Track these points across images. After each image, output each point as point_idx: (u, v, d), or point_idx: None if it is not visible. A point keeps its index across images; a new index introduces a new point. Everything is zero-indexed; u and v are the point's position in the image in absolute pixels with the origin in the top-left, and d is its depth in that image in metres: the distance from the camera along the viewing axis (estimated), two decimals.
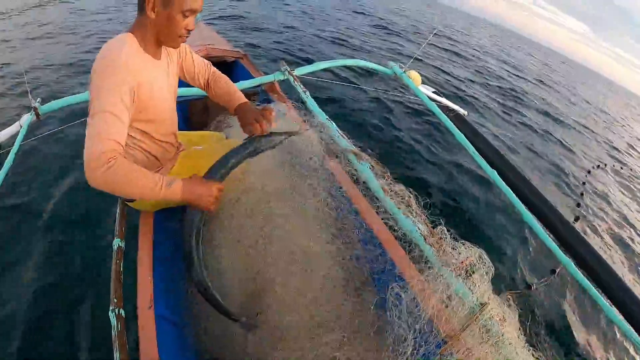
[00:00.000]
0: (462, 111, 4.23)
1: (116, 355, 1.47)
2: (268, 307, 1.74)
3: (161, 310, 1.72)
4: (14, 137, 2.34)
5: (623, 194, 8.63)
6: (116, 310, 1.62)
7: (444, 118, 3.09)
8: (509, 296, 1.51)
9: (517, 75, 17.39)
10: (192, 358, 1.77)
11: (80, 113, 2.13)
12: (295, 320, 1.68)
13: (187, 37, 1.66)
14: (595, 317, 4.40)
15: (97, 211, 3.42)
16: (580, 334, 4.03)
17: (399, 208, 1.66)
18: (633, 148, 14.99)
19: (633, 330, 2.16)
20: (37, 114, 2.39)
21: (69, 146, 4.24)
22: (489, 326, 1.33)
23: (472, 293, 1.38)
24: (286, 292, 1.73)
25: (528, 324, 1.51)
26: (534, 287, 4.26)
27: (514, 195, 2.53)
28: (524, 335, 1.40)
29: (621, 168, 10.86)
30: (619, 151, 13.12)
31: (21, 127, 2.35)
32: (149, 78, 1.63)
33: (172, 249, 2.08)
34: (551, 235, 2.47)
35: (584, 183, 7.96)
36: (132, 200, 2.06)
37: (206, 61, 2.12)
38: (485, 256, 1.47)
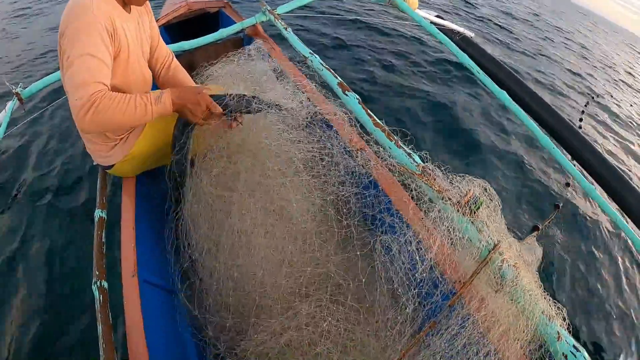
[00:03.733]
0: (468, 33, 3.92)
1: (99, 327, 1.44)
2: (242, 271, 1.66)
3: (146, 275, 1.69)
4: None
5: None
6: (98, 283, 1.58)
7: (446, 40, 2.86)
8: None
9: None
10: (178, 321, 1.73)
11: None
12: (273, 286, 1.61)
13: None
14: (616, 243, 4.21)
15: (86, 184, 3.38)
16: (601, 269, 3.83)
17: (390, 139, 1.49)
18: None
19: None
20: (20, 99, 2.38)
21: (58, 124, 4.17)
22: (503, 270, 1.16)
23: (480, 232, 1.20)
24: (263, 253, 1.65)
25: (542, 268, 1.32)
26: (541, 227, 4.00)
27: (525, 114, 2.36)
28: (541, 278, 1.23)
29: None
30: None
31: (6, 113, 2.34)
32: (122, 24, 1.61)
33: (156, 214, 2.06)
34: (561, 149, 2.29)
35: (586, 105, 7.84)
36: (110, 167, 1.99)
37: (169, 50, 2.18)
38: (490, 188, 1.31)
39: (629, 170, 5.99)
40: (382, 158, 1.52)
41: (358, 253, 1.55)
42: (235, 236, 1.66)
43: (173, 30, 3.63)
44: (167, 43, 2.57)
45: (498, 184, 4.27)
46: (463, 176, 1.32)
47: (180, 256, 1.84)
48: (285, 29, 2.43)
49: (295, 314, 1.46)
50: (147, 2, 1.85)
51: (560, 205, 4.31)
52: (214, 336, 1.61)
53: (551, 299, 1.19)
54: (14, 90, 2.35)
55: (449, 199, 1.26)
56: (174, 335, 1.70)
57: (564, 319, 1.16)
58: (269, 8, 2.80)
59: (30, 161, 3.67)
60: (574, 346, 1.08)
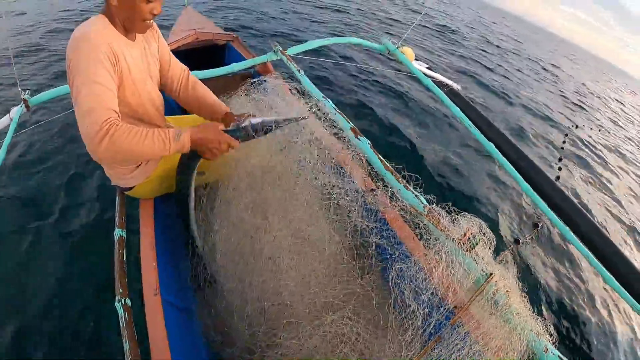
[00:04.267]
0: (455, 86, 4.21)
1: (126, 345, 1.48)
2: (272, 291, 1.76)
3: (166, 295, 1.73)
4: (4, 129, 2.33)
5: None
6: (122, 300, 1.63)
7: (440, 93, 3.10)
8: (504, 256, 1.55)
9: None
10: (199, 342, 1.80)
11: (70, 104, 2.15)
12: (300, 300, 1.71)
13: (152, 20, 1.71)
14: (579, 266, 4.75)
15: (97, 202, 3.41)
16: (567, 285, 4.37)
17: (399, 182, 1.67)
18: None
19: (612, 276, 2.32)
20: (27, 106, 2.38)
21: (61, 136, 4.22)
22: (496, 297, 1.37)
23: (477, 264, 1.41)
24: (290, 274, 1.75)
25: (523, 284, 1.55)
26: (522, 241, 4.50)
27: (510, 165, 2.58)
28: (526, 297, 1.45)
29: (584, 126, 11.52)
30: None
31: (11, 119, 2.34)
32: (123, 50, 1.65)
33: (174, 234, 2.11)
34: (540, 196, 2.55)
35: (563, 142, 8.43)
36: (129, 189, 2.05)
37: (183, 66, 2.16)
38: (485, 227, 1.49)
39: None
40: (392, 199, 1.68)
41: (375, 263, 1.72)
42: (264, 260, 1.77)
43: (179, 58, 3.84)
44: None
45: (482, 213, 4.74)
46: (463, 215, 1.50)
47: (198, 276, 1.93)
48: (298, 70, 2.51)
49: (321, 324, 1.58)
50: (154, 25, 1.88)
51: (540, 225, 4.78)
52: (238, 352, 1.70)
53: (539, 317, 1.40)
54: (22, 96, 2.36)
55: (451, 236, 1.44)
56: (196, 354, 1.75)
57: (550, 335, 1.38)
58: (280, 48, 2.90)
59: (42, 176, 3.69)
60: (559, 357, 1.31)
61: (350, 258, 1.90)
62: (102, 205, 3.39)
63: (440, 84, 3.82)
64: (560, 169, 7.19)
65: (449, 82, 4.13)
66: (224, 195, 2.01)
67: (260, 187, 1.94)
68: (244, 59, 3.47)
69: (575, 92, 16.47)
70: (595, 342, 3.85)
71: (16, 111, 2.37)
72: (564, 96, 14.51)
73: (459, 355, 1.32)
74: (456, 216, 1.51)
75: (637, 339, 4.23)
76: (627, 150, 11.48)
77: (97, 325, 2.52)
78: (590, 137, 10.46)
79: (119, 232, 1.93)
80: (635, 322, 4.44)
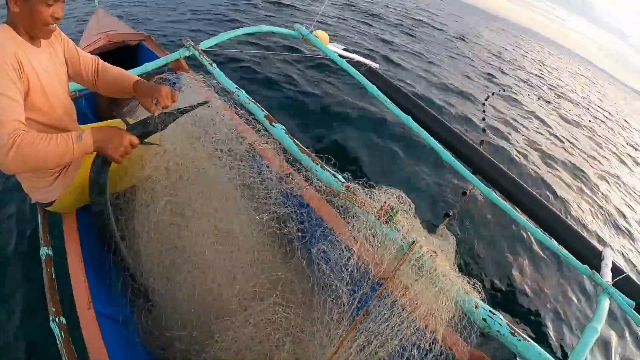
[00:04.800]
0: (373, 64, 4.27)
1: None
2: (201, 288, 1.74)
3: (101, 308, 1.68)
4: None
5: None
6: (57, 319, 1.57)
7: (355, 73, 3.10)
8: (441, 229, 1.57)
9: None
10: (139, 351, 1.76)
11: None
12: (229, 293, 1.69)
13: (55, 25, 1.68)
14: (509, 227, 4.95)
15: (19, 222, 3.19)
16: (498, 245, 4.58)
17: (315, 163, 1.67)
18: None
19: (537, 228, 2.47)
20: None
21: None
22: (422, 262, 1.38)
23: (399, 232, 1.42)
24: (216, 269, 1.73)
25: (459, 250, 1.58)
26: (451, 214, 4.57)
27: (428, 134, 2.62)
28: (460, 260, 1.47)
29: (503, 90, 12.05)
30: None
31: None
32: (29, 59, 1.62)
33: (100, 246, 2.01)
34: (462, 162, 2.60)
35: (483, 111, 8.70)
36: (51, 204, 1.98)
37: (93, 56, 2.09)
38: (404, 195, 1.51)
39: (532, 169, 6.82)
40: (310, 181, 1.68)
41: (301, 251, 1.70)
42: (188, 258, 1.75)
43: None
44: None
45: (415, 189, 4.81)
46: (380, 187, 1.51)
47: (129, 285, 1.89)
48: (211, 64, 2.48)
49: (251, 314, 1.57)
50: (58, 29, 1.84)
51: (468, 192, 4.95)
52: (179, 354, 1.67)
53: (466, 277, 1.43)
54: None
55: (370, 210, 1.45)
56: None
57: (479, 292, 1.40)
58: (192, 43, 2.85)
59: None
60: (490, 311, 1.34)
61: (273, 245, 1.89)
62: (24, 225, 3.16)
63: (358, 64, 3.85)
64: (484, 130, 7.49)
65: (367, 61, 4.17)
66: (142, 199, 1.94)
67: (177, 186, 1.90)
68: (156, 57, 3.39)
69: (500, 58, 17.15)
70: (526, 295, 4.04)
71: None
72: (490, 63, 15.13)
73: (388, 325, 1.32)
74: (373, 190, 1.52)
75: (566, 290, 4.48)
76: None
77: (33, 348, 2.40)
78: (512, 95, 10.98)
79: (44, 251, 1.86)
80: (566, 274, 4.71)
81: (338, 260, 1.45)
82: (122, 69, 2.14)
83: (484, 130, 7.49)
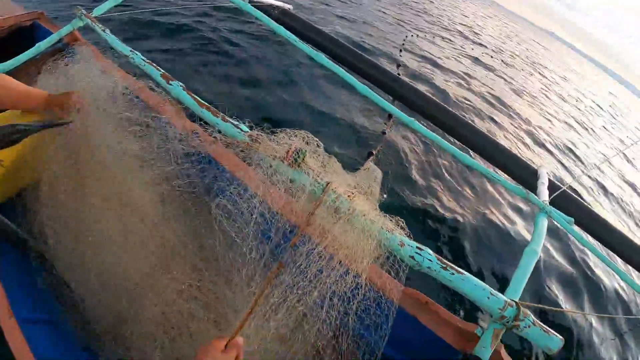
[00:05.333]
0: (286, 6, 4.08)
1: None
2: (111, 269, 1.66)
3: (23, 313, 1.58)
4: None
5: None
6: None
7: (262, 16, 2.95)
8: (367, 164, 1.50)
9: None
10: (75, 348, 1.68)
11: None
12: (137, 269, 1.62)
13: None
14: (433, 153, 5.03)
15: None
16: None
17: (216, 116, 1.57)
18: None
19: (465, 153, 2.40)
20: None
21: None
22: (338, 204, 1.31)
23: (309, 176, 1.35)
24: (122, 245, 1.66)
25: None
26: (375, 152, 4.54)
27: (342, 70, 2.53)
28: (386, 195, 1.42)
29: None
30: None
31: None
32: None
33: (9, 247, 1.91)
34: (380, 93, 2.53)
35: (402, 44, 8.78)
36: None
37: None
38: (310, 136, 1.45)
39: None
40: (213, 135, 1.59)
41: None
42: (92, 240, 1.67)
43: None
44: None
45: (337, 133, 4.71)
46: (284, 131, 1.44)
47: (50, 282, 1.79)
48: (103, 30, 2.35)
49: (163, 287, 1.52)
50: None
51: (389, 123, 4.92)
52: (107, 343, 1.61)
53: (389, 215, 1.38)
54: None
55: (276, 156, 1.37)
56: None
57: (403, 229, 1.36)
58: (84, 12, 2.67)
59: None
60: (417, 247, 1.29)
61: (180, 205, 1.83)
62: None
63: (270, 7, 3.67)
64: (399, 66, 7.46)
65: (279, 3, 3.97)
66: (44, 192, 1.84)
67: (76, 169, 1.80)
68: (49, 33, 3.17)
69: None
70: (461, 227, 4.11)
71: None
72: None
73: (306, 276, 1.26)
74: (277, 134, 1.46)
75: (505, 214, 4.57)
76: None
77: None
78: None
79: None
80: (505, 198, 4.79)
81: (245, 211, 1.37)
82: (18, 82, 1.95)
83: (398, 66, 7.49)
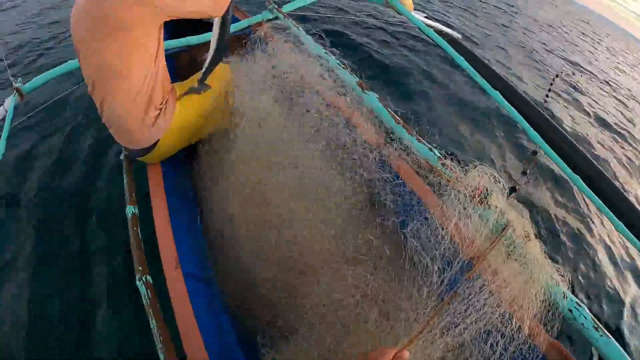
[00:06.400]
0: (456, 35, 4.13)
1: (152, 322, 1.45)
2: (291, 245, 1.73)
3: (187, 268, 1.69)
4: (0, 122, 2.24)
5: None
6: (144, 278, 1.59)
7: (442, 42, 3.01)
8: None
9: None
10: (221, 312, 1.76)
11: (64, 86, 2.12)
12: (318, 254, 1.68)
13: None
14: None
15: (104, 182, 3.26)
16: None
17: (411, 134, 1.65)
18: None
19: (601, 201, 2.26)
20: (21, 94, 2.31)
21: (59, 121, 3.95)
22: (513, 246, 1.37)
23: (492, 212, 1.40)
24: (308, 228, 1.72)
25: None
26: (518, 188, 4.37)
27: (515, 111, 2.56)
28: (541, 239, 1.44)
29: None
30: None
31: (6, 111, 2.24)
32: None
33: (186, 202, 2.07)
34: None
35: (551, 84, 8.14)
36: (148, 151, 2.03)
37: None
38: (496, 175, 1.48)
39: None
40: (405, 152, 1.64)
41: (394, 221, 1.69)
42: (277, 214, 1.75)
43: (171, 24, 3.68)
44: (169, 37, 2.61)
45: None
46: (474, 164, 1.48)
47: (214, 244, 1.91)
48: (297, 27, 2.42)
49: (341, 277, 1.55)
50: None
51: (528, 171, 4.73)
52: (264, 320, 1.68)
53: (556, 265, 1.40)
54: (14, 85, 2.27)
55: (464, 189, 1.43)
56: (220, 326, 1.70)
57: (567, 282, 1.38)
58: (275, 6, 2.82)
59: (39, 162, 3.47)
60: (577, 303, 1.32)
61: (364, 211, 1.86)
62: (110, 185, 3.22)
63: (440, 34, 3.73)
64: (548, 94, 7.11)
65: (449, 31, 4.03)
66: (228, 145, 2.00)
67: (264, 136, 1.93)
68: (238, 20, 3.40)
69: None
70: (606, 283, 3.80)
71: (10, 101, 2.29)
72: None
73: (475, 308, 1.31)
74: (466, 167, 1.50)
75: None
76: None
77: (118, 306, 2.41)
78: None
79: (130, 210, 1.88)
80: None
81: (430, 238, 1.44)
82: None
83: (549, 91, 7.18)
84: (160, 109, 1.93)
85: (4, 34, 6.31)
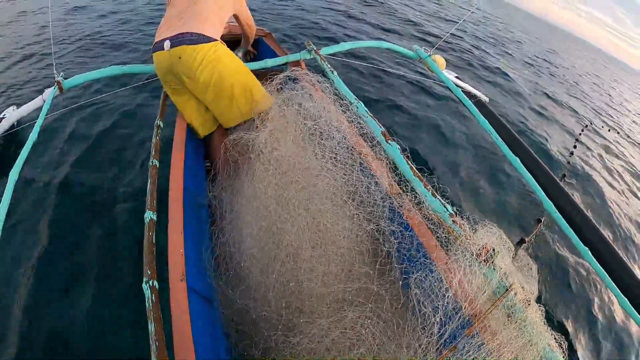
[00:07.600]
0: (483, 97, 4.24)
1: (151, 327, 1.46)
2: (294, 281, 1.77)
3: (192, 283, 1.71)
4: (37, 111, 2.36)
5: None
6: (150, 282, 1.60)
7: (469, 103, 3.10)
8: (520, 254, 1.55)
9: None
10: (219, 333, 1.79)
11: (103, 88, 2.16)
12: (319, 294, 1.72)
13: None
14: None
15: (125, 183, 3.29)
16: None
17: (426, 188, 1.70)
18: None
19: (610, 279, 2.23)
20: (61, 88, 2.42)
21: (92, 122, 4.03)
22: (514, 309, 1.40)
23: (496, 273, 1.44)
24: (311, 267, 1.76)
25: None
26: (527, 240, 4.30)
27: (532, 179, 2.58)
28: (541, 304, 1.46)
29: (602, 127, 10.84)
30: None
31: (44, 101, 2.36)
32: None
33: (201, 223, 2.13)
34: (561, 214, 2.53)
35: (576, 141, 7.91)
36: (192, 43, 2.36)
37: None
38: (504, 236, 1.52)
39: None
40: (420, 205, 1.71)
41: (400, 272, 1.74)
42: (285, 249, 1.79)
43: None
44: None
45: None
46: (483, 224, 1.53)
47: (220, 265, 1.95)
48: (332, 71, 2.52)
49: (341, 319, 1.57)
50: None
51: (543, 219, 4.63)
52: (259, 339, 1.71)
53: (553, 331, 1.43)
54: (56, 78, 2.38)
55: (471, 247, 1.47)
56: (216, 345, 1.72)
57: (563, 351, 1.41)
58: (314, 47, 2.94)
59: (67, 157, 3.49)
60: None
61: (370, 258, 1.89)
62: (132, 190, 3.23)
63: (468, 95, 3.82)
64: (570, 156, 6.95)
65: (477, 92, 4.14)
66: (249, 174, 2.07)
67: (285, 174, 1.97)
68: (275, 54, 3.52)
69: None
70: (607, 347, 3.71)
71: (49, 93, 2.41)
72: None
73: None
74: (476, 226, 1.55)
75: None
76: None
77: (123, 303, 2.43)
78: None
79: (149, 215, 1.91)
80: None
81: (434, 290, 1.47)
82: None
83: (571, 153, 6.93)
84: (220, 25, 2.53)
85: (65, 29, 6.67)
